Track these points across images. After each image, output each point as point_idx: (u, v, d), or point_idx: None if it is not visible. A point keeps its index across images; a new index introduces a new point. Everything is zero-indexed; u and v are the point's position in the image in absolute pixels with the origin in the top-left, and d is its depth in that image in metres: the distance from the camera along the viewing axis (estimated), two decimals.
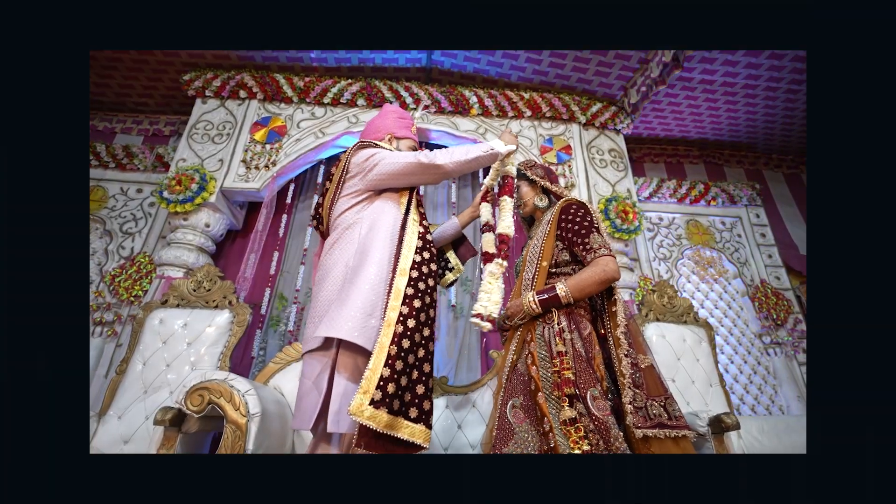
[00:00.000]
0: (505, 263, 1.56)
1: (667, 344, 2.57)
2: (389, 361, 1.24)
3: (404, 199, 1.58)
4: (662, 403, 1.29)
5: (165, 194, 2.81)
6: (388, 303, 1.34)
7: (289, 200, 3.24)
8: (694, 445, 1.74)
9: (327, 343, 1.35)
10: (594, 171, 3.35)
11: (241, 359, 2.69)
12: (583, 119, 3.49)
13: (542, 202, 1.68)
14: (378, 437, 1.21)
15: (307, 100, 3.31)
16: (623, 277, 3.07)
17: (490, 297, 1.47)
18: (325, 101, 3.29)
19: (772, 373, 3.19)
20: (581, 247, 1.43)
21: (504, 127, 3.38)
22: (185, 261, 2.80)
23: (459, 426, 2.28)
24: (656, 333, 2.60)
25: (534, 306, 1.38)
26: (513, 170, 1.71)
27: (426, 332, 1.38)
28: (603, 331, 1.44)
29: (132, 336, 2.38)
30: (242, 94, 3.30)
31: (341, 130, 3.21)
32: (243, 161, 3.06)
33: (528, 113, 3.44)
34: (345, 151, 1.67)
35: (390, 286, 1.37)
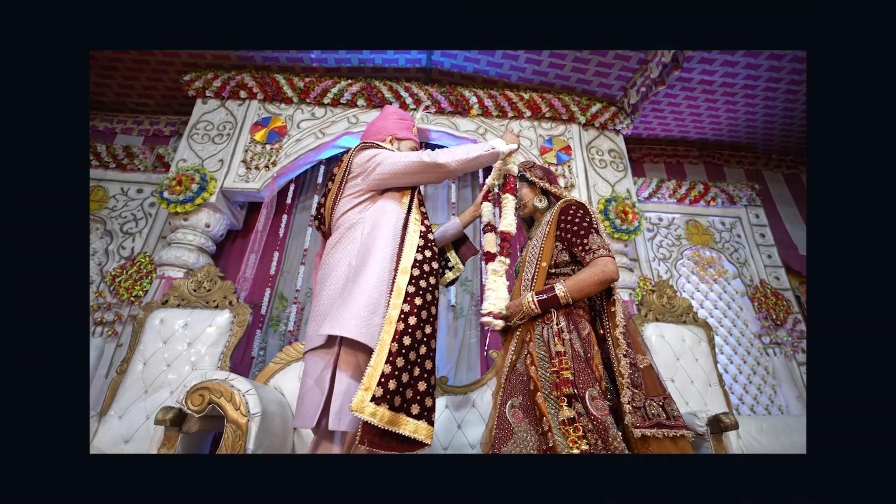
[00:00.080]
0: (507, 261, 1.56)
1: (666, 344, 2.58)
2: (390, 358, 1.24)
3: (406, 199, 1.58)
4: (661, 403, 1.30)
5: (166, 194, 2.82)
6: (389, 301, 1.34)
7: (289, 201, 3.24)
8: (693, 445, 1.75)
9: (330, 341, 1.36)
10: (594, 171, 3.35)
11: (242, 359, 2.69)
12: (582, 119, 3.49)
13: (541, 203, 1.68)
14: (381, 434, 1.21)
15: (307, 100, 3.32)
16: (622, 278, 3.07)
17: (497, 295, 1.48)
18: (326, 101, 3.29)
19: (771, 373, 3.19)
20: (580, 247, 1.43)
21: (504, 127, 3.39)
22: (186, 261, 2.80)
23: (459, 426, 2.28)
24: (655, 333, 2.60)
25: (533, 307, 1.38)
26: (514, 168, 1.71)
27: (428, 330, 1.38)
28: (602, 331, 1.44)
29: (133, 336, 2.38)
30: (243, 94, 3.30)
31: (341, 131, 3.21)
32: (243, 161, 3.06)
33: (528, 113, 3.44)
34: (345, 152, 1.67)
35: (392, 284, 1.38)
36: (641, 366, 1.34)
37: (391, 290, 1.37)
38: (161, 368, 2.26)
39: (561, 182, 3.22)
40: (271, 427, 1.70)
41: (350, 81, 3.33)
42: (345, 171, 1.58)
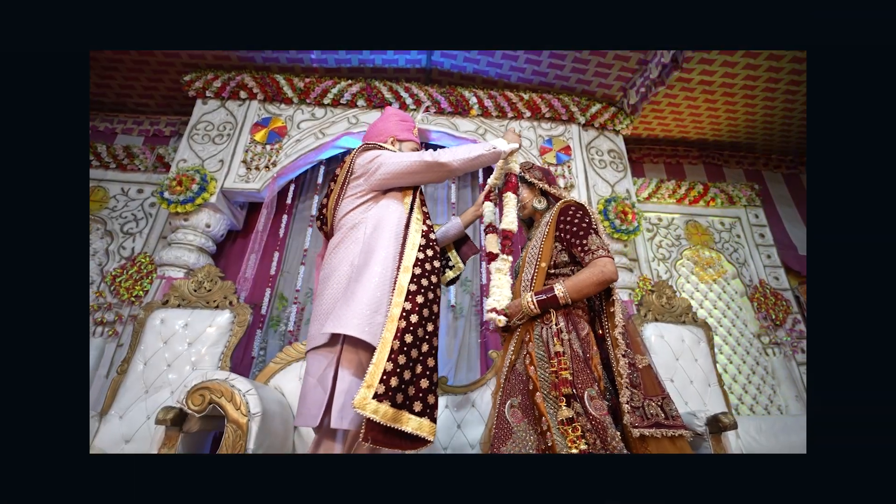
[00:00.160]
0: (510, 258, 1.57)
1: (665, 344, 2.58)
2: (392, 356, 1.25)
3: (408, 199, 1.59)
4: (659, 403, 1.30)
5: (166, 195, 2.82)
6: (391, 299, 1.35)
7: (289, 201, 3.25)
8: (692, 445, 1.75)
9: (332, 340, 1.36)
10: (593, 171, 3.35)
11: (242, 359, 2.69)
12: (582, 120, 3.49)
13: (540, 204, 1.69)
14: (384, 431, 1.21)
15: (307, 101, 3.32)
16: (622, 278, 3.07)
17: (501, 292, 1.49)
18: (326, 101, 3.30)
19: (770, 373, 3.19)
20: (579, 248, 1.44)
21: (503, 128, 3.39)
22: (186, 261, 2.80)
23: (459, 426, 2.28)
24: (655, 333, 2.60)
25: (532, 307, 1.39)
26: (516, 167, 1.72)
27: (429, 328, 1.39)
28: (601, 331, 1.44)
29: (133, 336, 2.38)
30: (243, 94, 3.31)
31: (341, 131, 3.21)
32: (244, 161, 3.06)
33: (528, 114, 3.44)
34: (346, 152, 1.68)
35: (394, 283, 1.38)
36: (640, 366, 1.35)
37: (393, 289, 1.37)
38: (161, 368, 2.26)
39: (560, 182, 3.22)
40: (272, 427, 1.70)
41: (350, 82, 3.33)
42: (347, 171, 1.59)
